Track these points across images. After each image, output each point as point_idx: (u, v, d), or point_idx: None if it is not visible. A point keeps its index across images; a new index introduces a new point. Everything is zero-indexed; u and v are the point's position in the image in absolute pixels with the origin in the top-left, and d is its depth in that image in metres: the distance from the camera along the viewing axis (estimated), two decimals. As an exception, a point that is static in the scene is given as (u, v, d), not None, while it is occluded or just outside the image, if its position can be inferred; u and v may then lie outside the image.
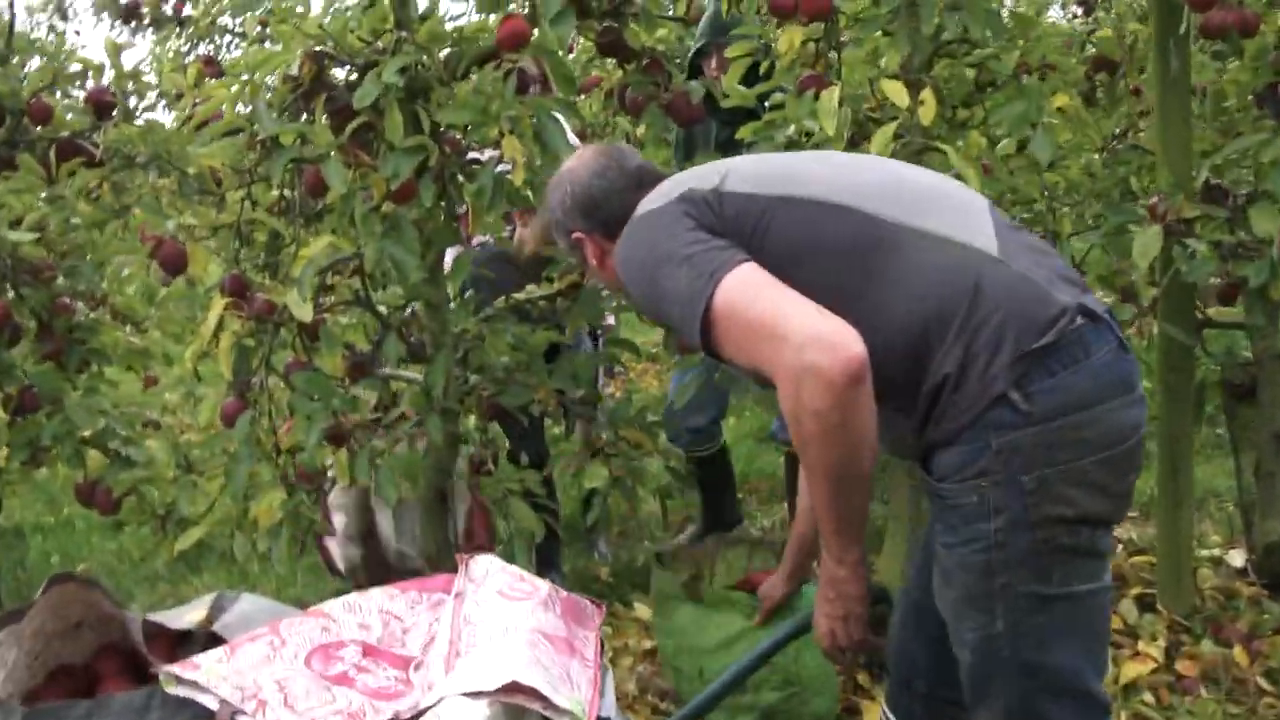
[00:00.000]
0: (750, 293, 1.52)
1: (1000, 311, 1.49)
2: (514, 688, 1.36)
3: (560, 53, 2.22)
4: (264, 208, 2.45)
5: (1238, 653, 2.55)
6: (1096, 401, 1.48)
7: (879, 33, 2.38)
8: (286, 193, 2.37)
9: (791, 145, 2.23)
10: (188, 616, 1.66)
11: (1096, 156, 3.12)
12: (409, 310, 2.47)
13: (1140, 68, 3.05)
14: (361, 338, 2.62)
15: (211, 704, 1.46)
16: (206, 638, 1.66)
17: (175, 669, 1.49)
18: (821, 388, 1.42)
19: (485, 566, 1.65)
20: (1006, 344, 1.47)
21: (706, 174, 1.69)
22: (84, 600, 1.62)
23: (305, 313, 2.19)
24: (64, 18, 6.57)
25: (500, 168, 2.19)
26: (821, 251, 1.57)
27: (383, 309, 2.45)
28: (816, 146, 2.14)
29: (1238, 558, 2.97)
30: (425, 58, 2.15)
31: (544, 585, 1.62)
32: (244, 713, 1.45)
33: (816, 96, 2.15)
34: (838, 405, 1.43)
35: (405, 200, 2.23)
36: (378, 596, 1.71)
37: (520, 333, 2.46)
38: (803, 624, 1.92)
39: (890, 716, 1.89)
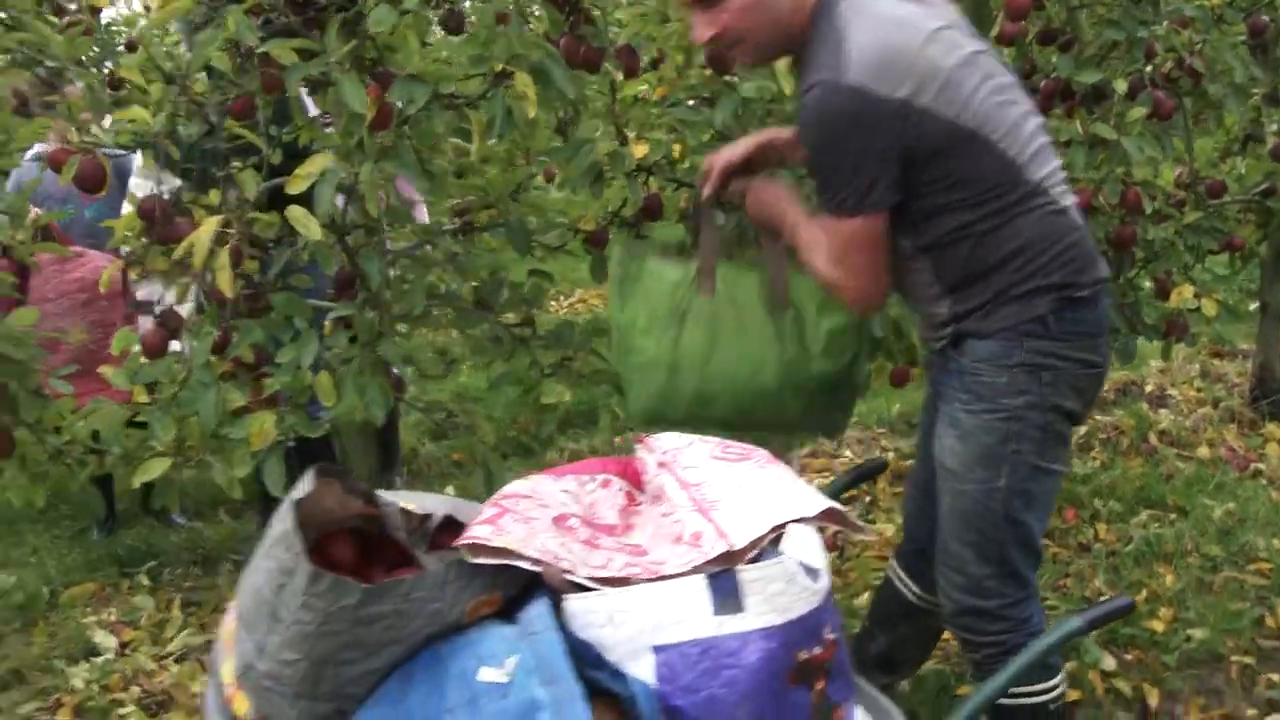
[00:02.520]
0: (852, 241, 1.91)
1: (1069, 258, 1.93)
2: (830, 514, 1.65)
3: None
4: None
5: None
6: (1095, 335, 1.99)
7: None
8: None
9: (748, 104, 2.60)
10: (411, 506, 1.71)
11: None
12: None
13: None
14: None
15: (526, 566, 1.55)
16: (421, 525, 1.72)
17: (479, 539, 1.57)
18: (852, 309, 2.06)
19: (673, 440, 1.86)
20: (1059, 285, 1.92)
21: (919, 76, 1.82)
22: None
23: (315, 232, 2.19)
24: None
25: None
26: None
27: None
28: (771, 107, 2.55)
29: None
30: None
31: (749, 446, 1.87)
32: (567, 571, 1.57)
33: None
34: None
35: (383, 127, 2.31)
36: (541, 480, 1.84)
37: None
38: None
39: (899, 572, 2.40)
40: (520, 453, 4.43)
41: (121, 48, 5.22)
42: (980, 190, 1.90)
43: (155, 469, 2.25)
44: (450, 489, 4.04)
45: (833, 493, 2.15)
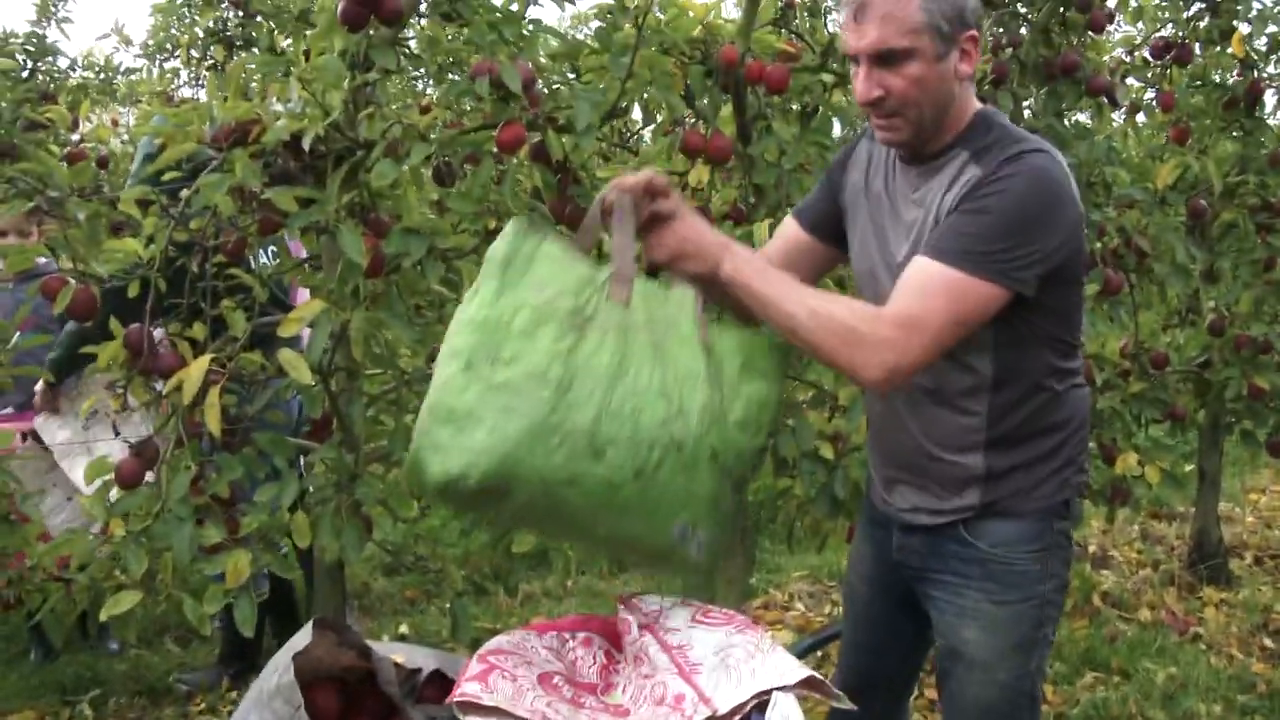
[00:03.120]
0: (966, 304, 1.70)
1: (1087, 441, 1.98)
2: (810, 682, 1.68)
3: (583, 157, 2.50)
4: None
5: None
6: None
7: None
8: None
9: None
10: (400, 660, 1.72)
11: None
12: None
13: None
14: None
15: (519, 727, 1.57)
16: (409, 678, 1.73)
17: (470, 697, 1.59)
18: (857, 369, 1.71)
19: (655, 602, 1.90)
20: (1084, 468, 1.96)
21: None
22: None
23: (305, 375, 2.23)
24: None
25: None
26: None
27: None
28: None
29: None
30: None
31: (729, 611, 1.90)
32: (554, 729, 1.60)
33: (736, 225, 2.67)
34: (844, 368, 1.74)
35: (375, 275, 2.38)
36: (525, 636, 1.86)
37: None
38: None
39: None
40: (474, 591, 4.41)
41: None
42: (1071, 342, 1.89)
43: (125, 602, 2.22)
44: (404, 626, 4.01)
45: (797, 654, 2.17)
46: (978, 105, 1.86)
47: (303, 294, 3.52)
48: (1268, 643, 4.11)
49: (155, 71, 6.17)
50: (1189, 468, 5.51)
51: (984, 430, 1.87)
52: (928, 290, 1.71)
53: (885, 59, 1.74)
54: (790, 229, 2.10)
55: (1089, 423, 1.98)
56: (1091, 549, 5.07)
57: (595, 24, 2.72)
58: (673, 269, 1.77)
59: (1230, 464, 6.53)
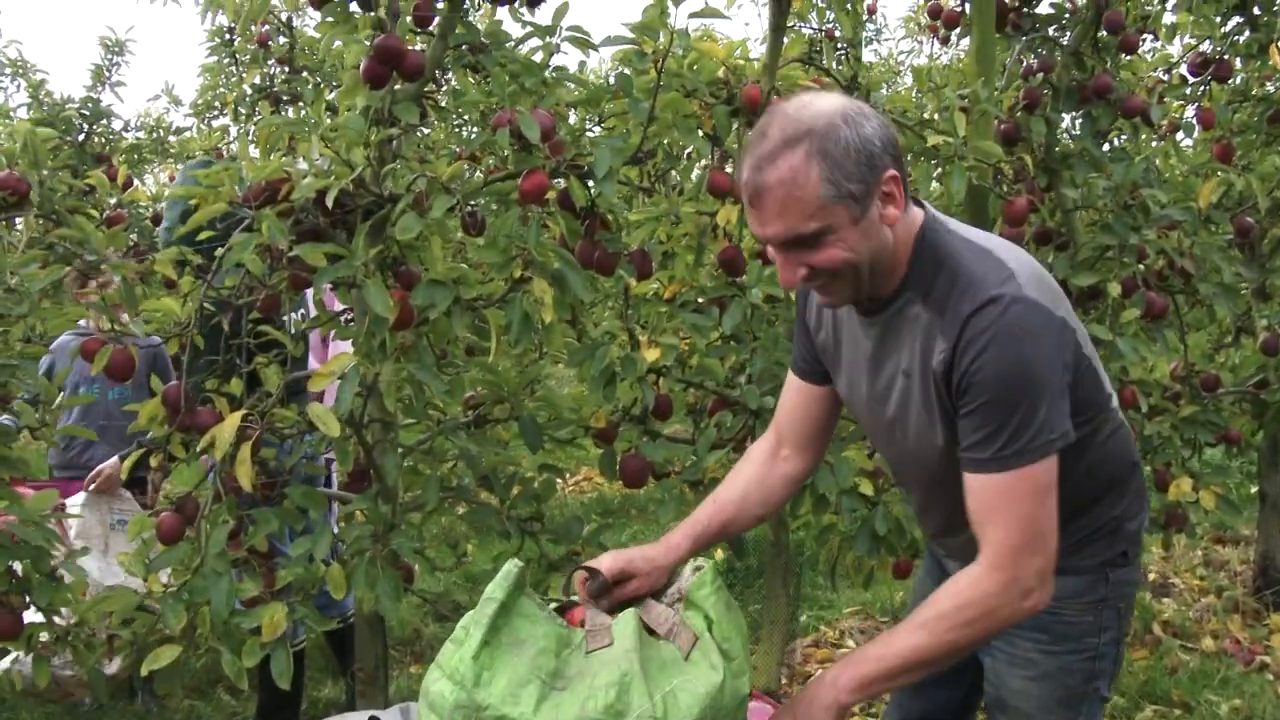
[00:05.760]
0: (1040, 492, 1.60)
1: (1141, 484, 1.92)
2: None
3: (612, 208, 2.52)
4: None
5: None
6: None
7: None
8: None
9: (755, 310, 2.70)
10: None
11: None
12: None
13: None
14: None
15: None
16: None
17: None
18: (1019, 617, 1.61)
19: None
20: (1138, 515, 1.90)
21: (1065, 303, 1.71)
22: None
23: (334, 429, 2.26)
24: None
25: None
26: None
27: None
28: (775, 308, 2.65)
29: None
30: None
31: None
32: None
33: (766, 265, 2.67)
34: (1010, 625, 1.63)
35: (404, 327, 2.40)
36: None
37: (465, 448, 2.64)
38: None
39: None
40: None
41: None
42: (1093, 413, 1.77)
43: (165, 656, 2.26)
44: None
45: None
46: (915, 226, 1.70)
47: (334, 347, 3.57)
48: (1338, 670, 3.99)
49: (205, 130, 6.31)
50: (1252, 490, 5.39)
51: None
52: (1002, 509, 1.60)
53: (798, 242, 1.60)
54: (793, 381, 2.03)
55: (1139, 463, 1.92)
56: (1152, 576, 4.96)
57: (620, 68, 2.75)
58: None
59: (1296, 484, 6.36)
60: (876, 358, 1.79)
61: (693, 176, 3.00)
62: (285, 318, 2.64)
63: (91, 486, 3.67)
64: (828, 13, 4.05)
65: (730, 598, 1.76)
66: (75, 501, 3.66)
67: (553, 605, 1.78)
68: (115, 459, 3.65)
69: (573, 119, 3.15)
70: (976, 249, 1.68)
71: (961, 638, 1.60)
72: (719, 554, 4.88)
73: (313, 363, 3.20)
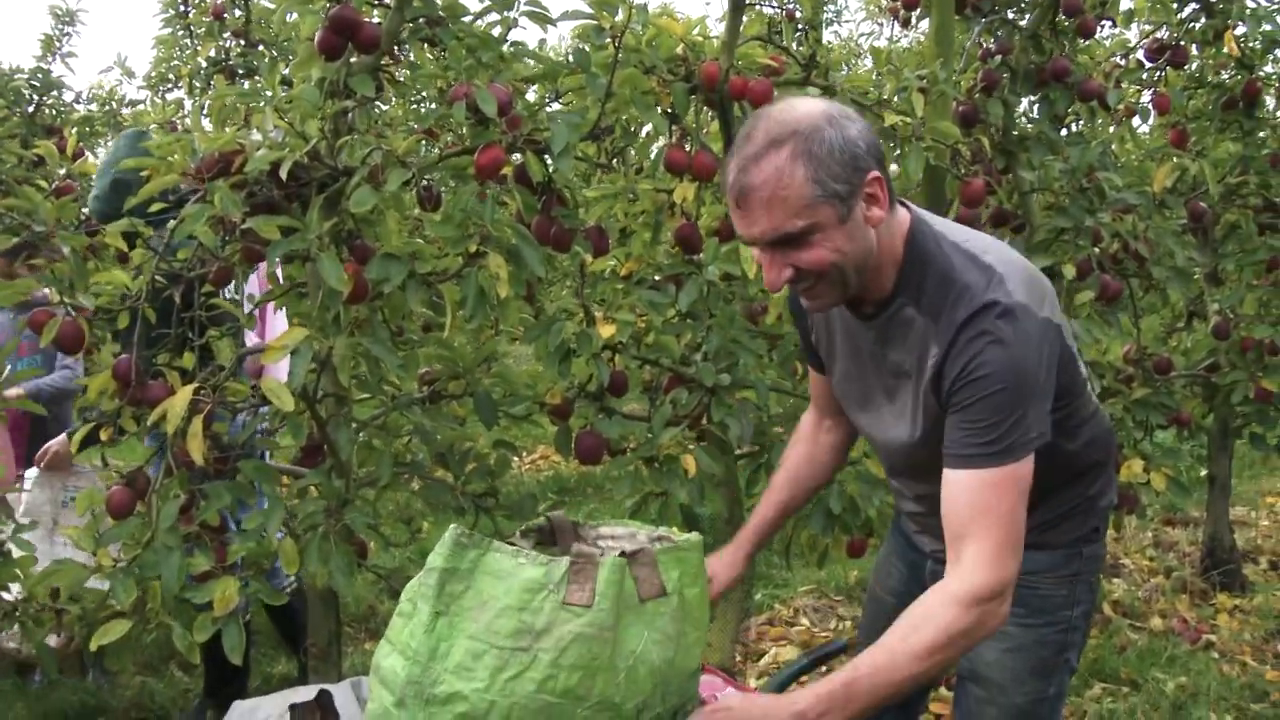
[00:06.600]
0: (1014, 492, 1.62)
1: (1114, 464, 2.00)
2: None
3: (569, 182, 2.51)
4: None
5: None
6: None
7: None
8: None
9: (712, 287, 2.70)
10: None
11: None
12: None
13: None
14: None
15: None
16: None
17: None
18: (986, 631, 1.61)
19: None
20: (1111, 494, 2.00)
21: (1051, 299, 1.74)
22: None
23: (288, 403, 2.23)
24: None
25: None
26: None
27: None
28: (732, 285, 2.65)
29: None
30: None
31: None
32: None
33: (724, 243, 2.67)
34: (979, 639, 1.63)
35: (359, 301, 2.38)
36: None
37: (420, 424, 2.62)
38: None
39: None
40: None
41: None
42: (1070, 398, 1.82)
43: (115, 631, 2.24)
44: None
45: (791, 676, 2.14)
46: (903, 229, 1.72)
47: (277, 319, 3.53)
48: (1282, 649, 4.06)
49: (159, 103, 6.22)
50: (1201, 473, 5.47)
51: None
52: (977, 506, 1.62)
53: (784, 242, 1.61)
54: (814, 373, 2.15)
55: (1114, 444, 1.99)
56: (1103, 557, 5.01)
57: (578, 44, 2.73)
58: None
59: (1246, 468, 6.47)
60: (875, 356, 1.84)
61: (650, 154, 2.98)
62: (232, 291, 2.61)
63: (42, 464, 3.62)
64: (789, -8, 4.05)
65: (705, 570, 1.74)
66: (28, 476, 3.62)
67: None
68: (63, 436, 3.60)
69: (532, 96, 3.12)
70: (966, 253, 1.71)
71: (951, 657, 1.62)
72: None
73: (251, 338, 3.16)
